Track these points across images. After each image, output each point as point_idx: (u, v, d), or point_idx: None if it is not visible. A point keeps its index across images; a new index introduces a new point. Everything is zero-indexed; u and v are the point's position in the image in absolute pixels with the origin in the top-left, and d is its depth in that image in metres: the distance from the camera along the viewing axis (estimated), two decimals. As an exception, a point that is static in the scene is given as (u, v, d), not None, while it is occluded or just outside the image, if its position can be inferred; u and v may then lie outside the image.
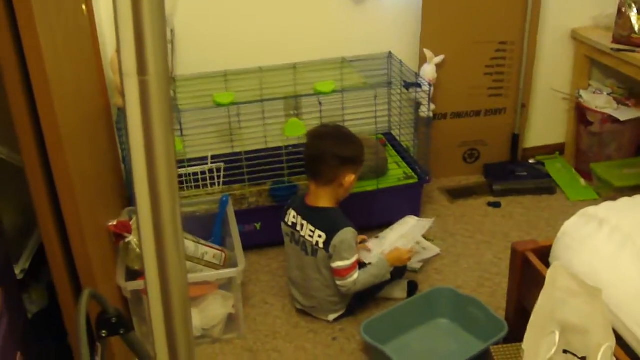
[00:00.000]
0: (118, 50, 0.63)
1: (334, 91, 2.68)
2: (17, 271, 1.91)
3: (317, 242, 2.27)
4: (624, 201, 2.00)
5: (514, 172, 3.17)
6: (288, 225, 2.39)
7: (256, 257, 2.75)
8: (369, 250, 2.48)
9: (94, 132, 2.18)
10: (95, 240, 1.91)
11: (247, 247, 2.70)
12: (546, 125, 3.33)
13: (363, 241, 2.52)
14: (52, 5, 1.69)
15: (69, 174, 1.65)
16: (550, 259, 1.98)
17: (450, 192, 3.14)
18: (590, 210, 1.96)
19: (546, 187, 3.10)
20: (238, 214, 2.63)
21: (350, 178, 2.29)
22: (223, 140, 2.91)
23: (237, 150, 2.88)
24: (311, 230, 2.30)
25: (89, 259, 1.76)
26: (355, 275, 2.25)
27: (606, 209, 1.95)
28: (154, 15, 0.61)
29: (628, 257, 1.72)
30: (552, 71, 3.21)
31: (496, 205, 3.03)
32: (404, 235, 2.50)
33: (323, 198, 2.31)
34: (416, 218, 2.62)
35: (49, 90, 1.54)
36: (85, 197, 1.82)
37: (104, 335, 1.40)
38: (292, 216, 2.38)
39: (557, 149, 3.38)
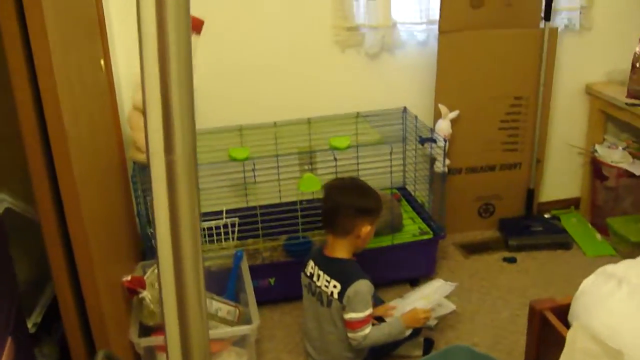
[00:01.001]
0: (145, 129, 0.63)
1: (349, 146, 2.69)
2: (29, 324, 1.90)
3: (332, 293, 2.25)
4: (644, 259, 1.97)
5: (530, 227, 3.15)
6: (307, 276, 2.38)
7: (270, 313, 2.72)
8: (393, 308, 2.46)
9: (109, 185, 2.20)
10: (109, 295, 1.90)
11: (260, 302, 2.68)
12: (561, 179, 3.32)
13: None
14: (72, 62, 1.72)
15: (84, 228, 1.65)
16: (569, 318, 1.94)
17: (465, 247, 3.12)
18: (609, 268, 1.93)
19: (562, 242, 3.07)
20: (252, 269, 2.61)
21: (366, 229, 2.28)
22: (237, 195, 2.92)
23: (251, 204, 2.88)
24: (327, 281, 2.28)
25: (102, 314, 1.76)
26: (367, 330, 2.21)
27: (625, 267, 1.92)
28: (183, 94, 0.62)
29: (649, 318, 1.69)
30: (567, 126, 3.22)
31: (512, 260, 3.00)
32: (426, 296, 2.47)
33: (340, 249, 2.31)
34: (442, 281, 2.60)
35: (66, 145, 1.56)
36: (100, 251, 1.82)
37: (116, 395, 1.39)
38: (310, 267, 2.37)
39: (572, 204, 3.36)
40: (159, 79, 0.60)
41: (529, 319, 2.06)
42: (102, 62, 2.27)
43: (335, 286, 2.25)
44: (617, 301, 1.81)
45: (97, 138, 2.04)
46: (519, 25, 2.91)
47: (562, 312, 1.98)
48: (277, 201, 2.93)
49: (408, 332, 2.31)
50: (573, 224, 3.23)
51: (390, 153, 2.67)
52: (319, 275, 2.31)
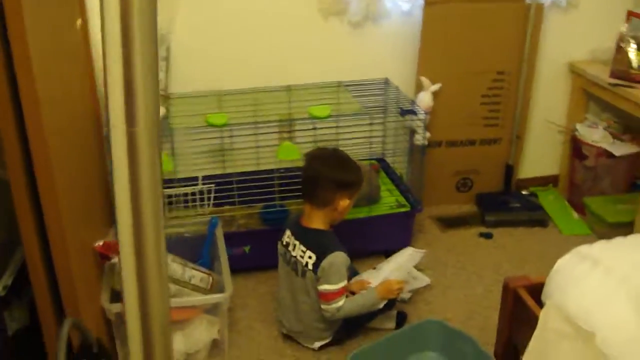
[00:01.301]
0: (106, 101, 0.60)
1: (329, 116, 2.65)
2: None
3: (307, 263, 2.24)
4: (619, 241, 1.97)
5: (507, 203, 3.15)
6: (282, 245, 2.37)
7: (244, 281, 2.70)
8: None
9: (83, 148, 2.15)
10: (80, 260, 1.87)
11: (235, 270, 2.67)
12: (541, 156, 3.32)
13: None
14: (45, 19, 1.66)
15: (55, 190, 1.62)
16: (543, 297, 1.95)
17: (442, 221, 3.12)
18: (584, 249, 1.92)
19: (539, 219, 3.08)
20: (227, 236, 2.59)
21: (345, 202, 2.26)
22: (215, 161, 2.87)
23: (229, 171, 2.84)
24: (302, 251, 2.27)
25: (72, 278, 1.73)
26: (341, 302, 2.21)
27: (601, 248, 1.92)
28: (146, 67, 0.58)
29: (623, 300, 1.68)
30: (549, 103, 3.20)
31: (488, 236, 3.00)
32: (399, 266, 2.46)
33: (317, 220, 2.29)
34: (412, 249, 2.58)
35: (37, 104, 1.53)
36: (71, 215, 1.78)
37: (84, 363, 1.37)
38: (287, 236, 2.36)
39: (550, 181, 3.36)
40: (121, 50, 0.57)
41: (502, 296, 2.06)
42: (79, 21, 2.21)
43: (310, 257, 2.23)
44: (592, 282, 1.81)
45: (71, 100, 1.99)
46: (505, -1, 2.87)
47: (536, 290, 1.98)
48: (254, 168, 2.89)
49: (382, 304, 2.31)
50: (550, 201, 3.24)
51: (369, 124, 2.64)
52: (294, 245, 2.29)
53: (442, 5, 2.84)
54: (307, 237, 2.28)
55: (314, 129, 2.59)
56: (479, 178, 3.22)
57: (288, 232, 2.35)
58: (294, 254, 2.29)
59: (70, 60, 2.04)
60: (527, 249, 2.91)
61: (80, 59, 2.28)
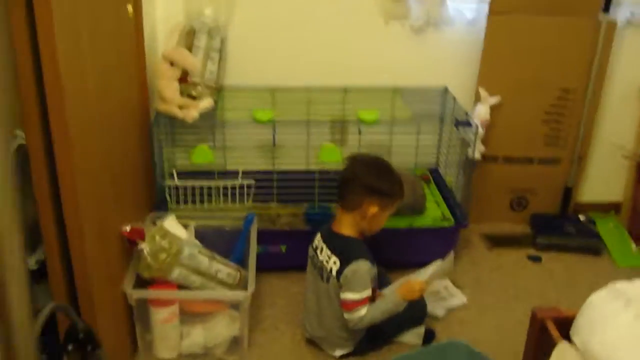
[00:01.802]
0: None
1: (376, 121, 2.59)
2: (32, 261, 1.90)
3: (331, 269, 2.20)
4: (664, 281, 1.84)
5: (561, 227, 3.01)
6: (312, 248, 2.33)
7: (277, 280, 2.68)
8: None
9: (123, 133, 2.17)
10: (100, 243, 1.88)
11: (270, 269, 2.68)
12: (603, 181, 3.15)
13: None
14: (82, 6, 1.67)
15: (72, 172, 1.63)
16: (571, 332, 1.84)
17: (491, 238, 3.00)
18: (622, 285, 1.81)
19: (593, 247, 2.92)
20: (264, 234, 2.58)
21: (373, 210, 2.18)
22: (261, 157, 2.86)
23: (275, 168, 2.83)
24: (328, 256, 2.22)
25: (86, 259, 1.74)
26: (363, 311, 2.14)
27: (637, 287, 1.80)
28: None
29: (648, 347, 1.57)
30: (616, 126, 3.03)
31: (536, 259, 2.87)
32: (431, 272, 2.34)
33: (346, 225, 2.24)
34: (440, 261, 2.46)
35: (61, 91, 1.53)
36: (94, 197, 1.80)
37: (70, 349, 1.37)
38: (317, 239, 2.32)
39: (612, 208, 3.19)
40: None
41: (530, 325, 1.97)
42: (129, 7, 2.23)
43: (335, 262, 2.19)
44: (620, 323, 1.70)
45: (113, 88, 2.00)
46: (576, 14, 2.72)
47: (566, 323, 1.88)
48: (303, 167, 2.86)
49: (403, 306, 2.20)
50: (609, 229, 3.07)
51: (418, 133, 2.57)
52: (322, 249, 2.26)
53: (508, 15, 2.72)
54: (334, 242, 2.23)
55: (359, 133, 2.54)
56: (535, 198, 3.08)
57: (319, 236, 2.31)
58: (321, 258, 2.25)
59: (116, 44, 2.06)
60: (575, 277, 2.77)
61: (130, 44, 2.31)
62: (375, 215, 2.20)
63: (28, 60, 1.48)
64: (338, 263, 2.18)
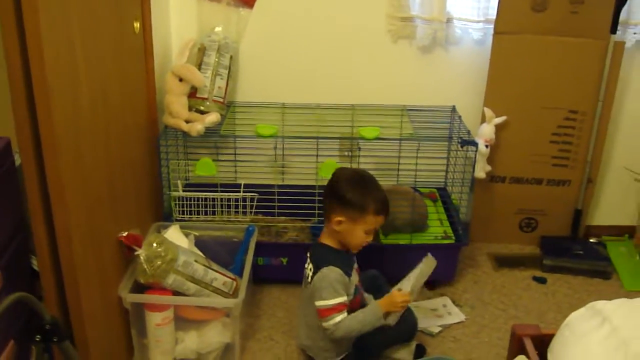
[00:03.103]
0: None
1: (377, 138, 2.63)
2: (35, 262, 2.00)
3: (308, 276, 2.26)
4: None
5: (570, 249, 2.97)
6: (305, 260, 2.38)
7: (278, 292, 2.73)
8: None
9: (125, 145, 2.25)
10: (93, 248, 1.96)
11: (272, 281, 2.74)
12: (616, 204, 3.12)
13: None
14: (74, 22, 1.77)
15: (60, 178, 1.71)
16: (548, 350, 1.84)
17: (497, 259, 2.99)
18: (600, 304, 1.80)
19: (601, 270, 2.88)
20: (266, 246, 2.65)
21: (339, 219, 2.19)
22: (271, 172, 2.92)
23: (286, 182, 2.89)
24: (308, 263, 2.29)
25: (74, 263, 1.81)
26: (338, 318, 2.14)
27: (616, 305, 1.78)
28: None
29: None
30: (628, 149, 3.01)
31: (541, 280, 2.85)
32: (415, 277, 2.31)
33: (326, 235, 2.30)
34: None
35: (49, 100, 1.62)
36: (85, 204, 1.87)
37: (37, 340, 1.44)
38: (309, 251, 2.37)
39: (626, 232, 3.14)
40: None
41: (509, 343, 1.97)
42: (136, 24, 2.33)
43: (310, 269, 2.26)
44: (593, 341, 1.69)
45: (111, 97, 2.09)
46: (583, 35, 2.71)
47: (545, 341, 1.88)
48: (312, 182, 2.90)
49: (385, 321, 2.21)
50: (620, 253, 3.02)
51: (418, 149, 2.59)
52: (307, 258, 2.31)
53: (513, 36, 2.74)
54: (314, 251, 2.30)
55: (359, 149, 2.58)
56: (545, 219, 3.06)
57: (311, 248, 2.36)
58: (305, 265, 2.30)
59: (119, 59, 2.15)
60: (580, 300, 2.73)
61: (137, 59, 2.40)
62: (345, 228, 2.20)
63: (18, 68, 1.58)
64: (312, 269, 2.23)
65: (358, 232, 2.21)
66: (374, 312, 2.20)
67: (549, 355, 1.81)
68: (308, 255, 2.32)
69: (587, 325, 1.75)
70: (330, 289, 2.15)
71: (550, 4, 2.68)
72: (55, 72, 1.64)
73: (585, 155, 2.89)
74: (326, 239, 2.28)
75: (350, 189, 2.20)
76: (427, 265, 2.32)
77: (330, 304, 2.15)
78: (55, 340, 1.45)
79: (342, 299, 2.17)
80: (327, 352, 2.28)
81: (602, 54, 2.73)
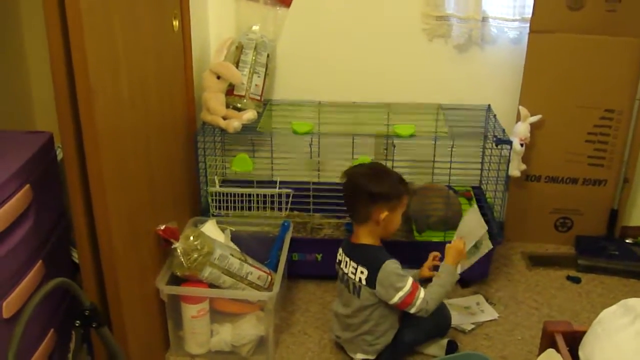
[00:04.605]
0: None
1: (412, 135, 2.65)
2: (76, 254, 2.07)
3: (360, 279, 2.25)
4: (675, 299, 1.82)
5: (606, 249, 2.95)
6: (337, 263, 2.40)
7: (314, 287, 2.77)
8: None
9: (164, 141, 2.31)
10: (133, 241, 2.02)
11: (307, 277, 2.78)
12: (653, 205, 3.09)
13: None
14: (116, 21, 1.83)
15: (101, 175, 1.77)
16: (580, 346, 1.84)
17: (532, 258, 2.99)
18: (631, 301, 1.80)
19: (637, 271, 2.86)
20: (301, 241, 2.69)
21: (384, 214, 2.23)
22: (308, 169, 2.96)
23: (322, 180, 2.92)
24: (354, 267, 2.28)
25: (112, 254, 1.87)
26: (422, 294, 2.19)
27: (649, 303, 1.78)
28: None
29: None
30: (665, 149, 2.97)
31: (576, 280, 2.83)
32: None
33: (363, 236, 2.30)
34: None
35: (90, 96, 1.68)
36: (126, 198, 1.93)
37: (77, 325, 1.50)
38: (339, 253, 2.39)
39: (664, 233, 3.11)
40: None
41: (541, 339, 1.97)
42: (175, 22, 2.39)
43: (362, 272, 2.25)
44: (625, 337, 1.70)
45: (151, 95, 2.14)
46: (620, 33, 2.70)
47: (577, 338, 1.88)
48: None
49: (456, 275, 2.34)
50: (657, 254, 2.99)
51: (452, 147, 2.60)
52: (346, 262, 2.32)
53: (549, 34, 2.73)
54: (357, 253, 2.29)
55: (394, 147, 2.61)
56: (581, 219, 3.05)
57: (340, 250, 2.38)
58: (345, 270, 2.31)
59: (157, 59, 2.21)
60: (614, 300, 2.64)
61: (176, 56, 2.46)
62: (387, 219, 2.25)
63: (61, 64, 1.65)
64: (366, 272, 2.23)
65: (397, 218, 2.29)
66: (447, 270, 2.29)
67: (580, 352, 1.81)
68: (347, 259, 2.31)
69: (619, 322, 1.76)
70: (399, 277, 2.19)
71: (586, 2, 2.68)
72: (97, 69, 1.70)
73: (621, 155, 2.88)
74: (366, 239, 2.30)
75: (377, 184, 2.24)
76: (470, 217, 2.47)
77: (408, 289, 2.18)
78: (94, 325, 1.50)
79: (410, 278, 2.21)
80: (370, 347, 2.30)
81: (639, 53, 2.71)
